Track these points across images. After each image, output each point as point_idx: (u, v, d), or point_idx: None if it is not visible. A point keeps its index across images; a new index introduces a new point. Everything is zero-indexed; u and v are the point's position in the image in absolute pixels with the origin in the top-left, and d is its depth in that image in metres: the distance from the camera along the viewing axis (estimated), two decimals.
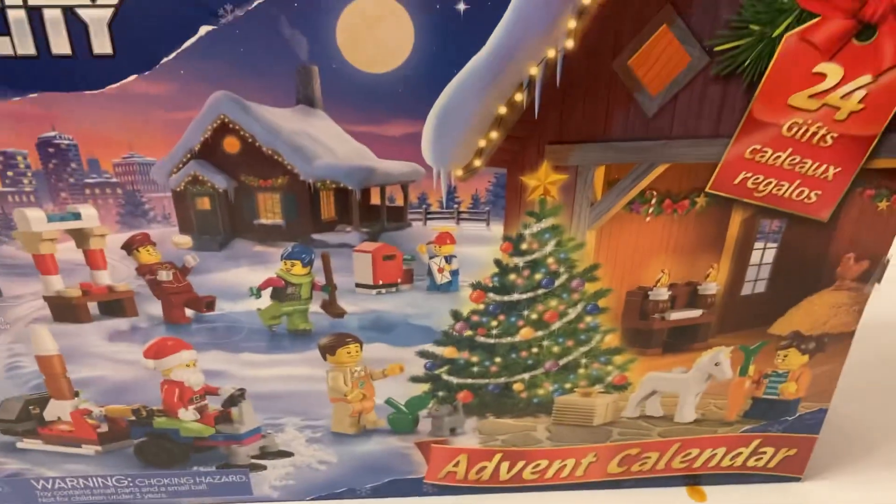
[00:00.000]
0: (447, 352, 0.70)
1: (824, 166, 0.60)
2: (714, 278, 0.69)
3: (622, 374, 0.73)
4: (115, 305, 0.66)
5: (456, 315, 0.68)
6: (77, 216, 0.61)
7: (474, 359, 0.71)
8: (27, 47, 0.52)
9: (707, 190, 0.62)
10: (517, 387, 0.73)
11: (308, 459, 0.76)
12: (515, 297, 0.68)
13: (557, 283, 0.67)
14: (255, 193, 0.61)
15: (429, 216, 0.63)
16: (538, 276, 0.67)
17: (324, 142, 0.58)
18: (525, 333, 0.69)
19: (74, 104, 0.54)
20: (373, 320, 0.68)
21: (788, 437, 0.79)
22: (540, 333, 0.70)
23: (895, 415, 0.94)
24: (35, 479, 0.75)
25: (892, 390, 0.99)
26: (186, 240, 0.62)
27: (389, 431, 0.75)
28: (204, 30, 0.52)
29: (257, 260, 0.64)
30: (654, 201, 0.64)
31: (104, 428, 0.73)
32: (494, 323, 0.69)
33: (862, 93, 0.56)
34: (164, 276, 0.64)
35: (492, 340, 0.70)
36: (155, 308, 0.66)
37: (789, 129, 0.58)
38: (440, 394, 0.73)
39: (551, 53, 0.54)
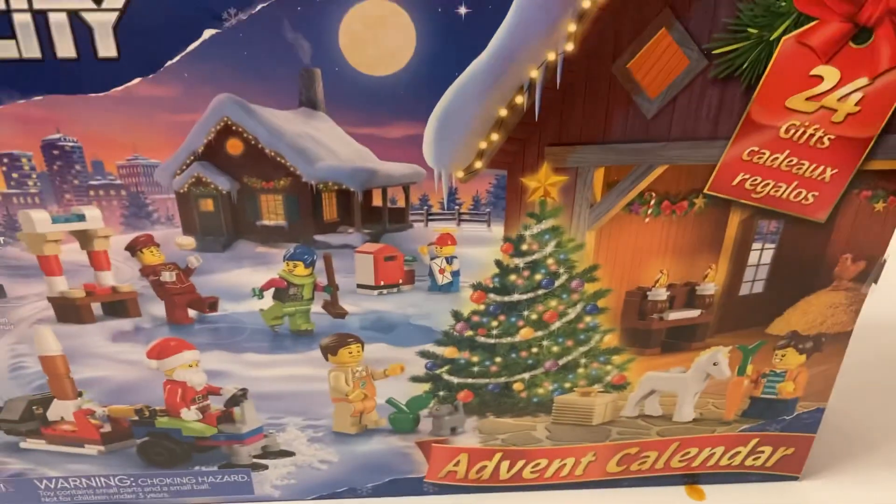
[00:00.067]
0: (448, 352, 0.70)
1: (821, 168, 0.60)
2: (712, 279, 0.70)
3: (621, 373, 0.74)
4: (119, 306, 0.67)
5: (456, 315, 0.69)
6: (81, 218, 0.61)
7: (475, 359, 0.71)
8: (32, 50, 0.52)
9: (705, 191, 0.62)
10: (517, 386, 0.73)
11: (309, 459, 0.76)
12: (516, 297, 0.68)
13: (557, 283, 0.68)
14: (257, 195, 0.62)
15: (430, 217, 0.64)
16: (538, 277, 0.67)
17: (326, 144, 0.59)
18: (525, 333, 0.70)
19: (79, 107, 0.55)
20: (374, 321, 0.69)
21: (786, 436, 0.79)
22: (540, 333, 0.70)
23: (893, 414, 0.94)
24: (38, 478, 0.75)
25: (889, 390, 0.99)
26: (190, 241, 0.63)
27: (390, 431, 0.76)
28: (208, 33, 0.52)
29: (260, 261, 0.64)
30: (652, 202, 0.64)
31: (107, 428, 0.74)
32: (495, 323, 0.69)
33: (858, 95, 0.56)
34: (168, 276, 0.65)
35: (492, 340, 0.70)
36: (158, 309, 0.67)
37: (787, 131, 0.58)
38: (441, 393, 0.73)
39: (551, 56, 0.55)
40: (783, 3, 0.53)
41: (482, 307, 0.68)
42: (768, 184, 0.61)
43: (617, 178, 0.62)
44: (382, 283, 0.67)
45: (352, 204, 0.63)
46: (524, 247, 0.65)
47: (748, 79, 0.56)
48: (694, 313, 0.71)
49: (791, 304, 0.71)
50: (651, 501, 0.80)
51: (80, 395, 0.71)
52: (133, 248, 0.63)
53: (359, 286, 0.67)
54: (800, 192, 0.62)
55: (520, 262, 0.66)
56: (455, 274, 0.67)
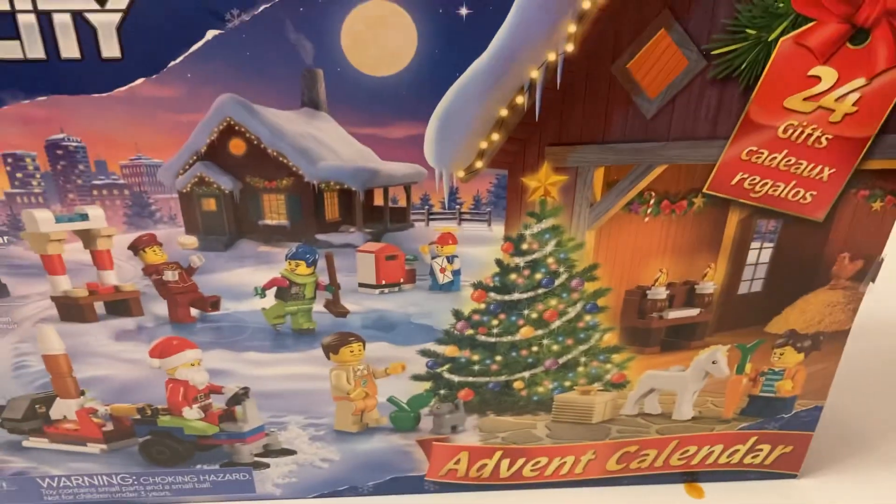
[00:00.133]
0: (448, 350, 0.71)
1: (819, 167, 0.61)
2: (711, 277, 0.70)
3: (621, 372, 0.74)
4: (121, 305, 0.67)
5: (457, 314, 0.69)
6: (84, 217, 0.61)
7: (475, 357, 0.71)
8: (37, 51, 0.52)
9: (704, 191, 0.63)
10: (517, 385, 0.73)
11: (311, 457, 0.77)
12: (516, 296, 0.68)
13: (557, 282, 0.68)
14: (260, 194, 0.62)
15: (431, 217, 0.64)
16: (538, 276, 0.67)
17: (328, 144, 0.59)
18: (525, 332, 0.70)
19: (83, 107, 0.55)
20: (375, 319, 0.69)
21: (784, 434, 0.80)
22: (540, 332, 0.70)
23: (890, 413, 0.95)
24: (40, 477, 0.75)
25: (887, 388, 0.99)
26: (192, 240, 0.63)
27: (391, 429, 0.76)
28: (211, 34, 0.53)
29: (262, 260, 0.64)
30: (652, 202, 0.64)
31: (109, 426, 0.74)
32: (495, 322, 0.70)
33: (856, 95, 0.57)
34: (170, 276, 0.65)
35: (492, 339, 0.71)
36: (160, 308, 0.67)
37: (785, 130, 0.59)
38: (441, 392, 0.73)
39: (552, 57, 0.55)
40: (781, 5, 0.53)
41: (483, 306, 0.69)
42: (767, 183, 0.62)
43: (617, 178, 0.63)
44: (384, 282, 0.67)
45: (353, 203, 0.63)
46: (524, 246, 0.66)
47: (747, 79, 0.57)
48: (693, 312, 0.72)
49: (789, 303, 0.71)
50: (650, 499, 0.80)
51: (82, 393, 0.71)
52: (136, 248, 0.64)
53: (360, 285, 0.67)
54: (798, 192, 0.62)
55: (520, 261, 0.67)
56: (456, 273, 0.67)
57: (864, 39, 0.54)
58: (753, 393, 0.77)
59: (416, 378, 0.72)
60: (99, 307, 0.67)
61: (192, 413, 0.72)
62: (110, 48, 0.53)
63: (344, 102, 0.56)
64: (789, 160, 0.60)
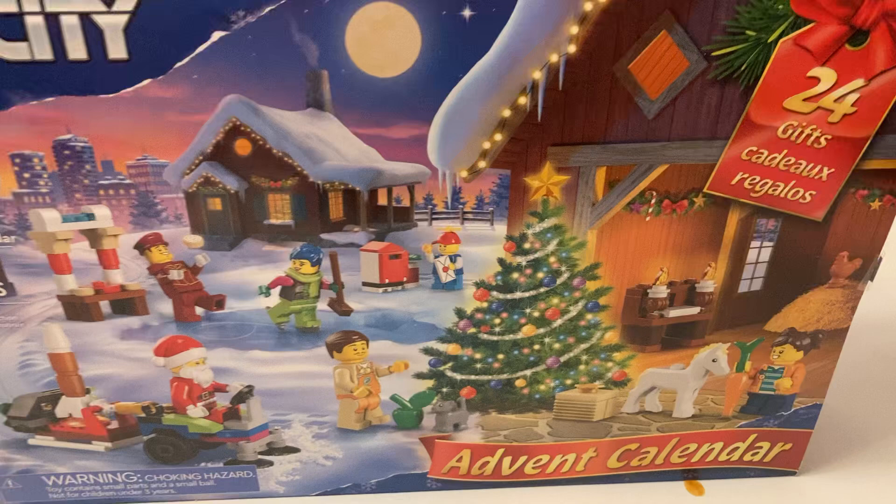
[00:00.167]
0: (451, 349, 0.71)
1: (818, 167, 0.61)
2: (712, 276, 0.70)
3: (622, 370, 0.75)
4: (127, 304, 0.67)
5: (460, 313, 0.69)
6: (91, 217, 0.62)
7: (477, 355, 0.72)
8: (44, 52, 0.53)
9: (705, 190, 0.63)
10: (519, 383, 0.74)
11: (314, 455, 0.77)
12: (518, 295, 0.69)
13: (559, 281, 0.68)
14: (265, 194, 0.63)
15: (434, 216, 0.64)
16: (540, 275, 0.68)
17: (332, 144, 0.60)
18: (527, 331, 0.71)
19: (90, 107, 0.55)
20: (379, 318, 0.69)
21: (784, 431, 0.80)
22: (542, 331, 0.71)
23: (888, 410, 0.95)
24: (46, 475, 0.76)
25: (885, 386, 1.00)
26: (198, 239, 0.63)
27: (394, 427, 0.76)
28: (217, 35, 0.53)
29: (267, 259, 0.65)
30: (653, 201, 0.65)
31: (114, 425, 0.74)
32: (497, 320, 0.70)
33: (854, 96, 0.57)
34: (176, 275, 0.65)
35: (495, 337, 0.71)
36: (166, 306, 0.67)
37: (784, 131, 0.59)
38: (444, 390, 0.74)
39: (554, 58, 0.55)
40: (781, 6, 0.53)
41: (485, 305, 0.69)
42: (766, 183, 0.62)
43: (618, 178, 0.63)
44: (387, 280, 0.68)
45: (357, 203, 0.64)
46: (527, 245, 0.66)
47: (747, 80, 0.57)
48: (693, 310, 0.72)
49: (789, 302, 0.71)
50: (651, 496, 0.81)
51: (88, 392, 0.72)
52: (142, 247, 0.64)
53: (364, 284, 0.68)
54: (797, 192, 0.63)
55: (522, 260, 0.67)
56: (458, 272, 0.67)
57: (863, 41, 0.55)
58: (753, 391, 0.78)
59: (419, 376, 0.73)
60: (105, 306, 0.68)
61: (196, 411, 0.72)
62: (117, 49, 0.53)
63: (348, 103, 0.57)
64: (789, 160, 0.61)
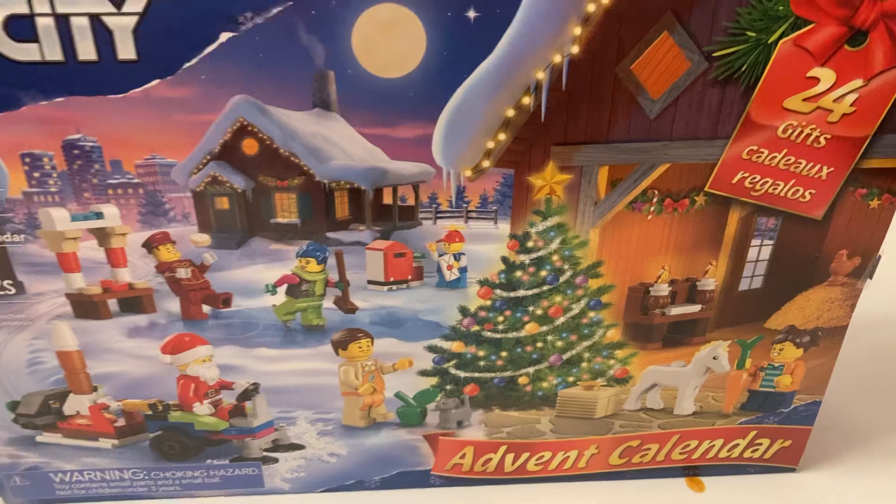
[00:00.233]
0: (455, 346, 0.72)
1: (818, 166, 0.62)
2: (712, 274, 0.71)
3: (623, 367, 0.75)
4: (135, 302, 0.68)
5: (464, 311, 0.70)
6: (100, 215, 0.62)
7: (481, 353, 0.72)
8: (55, 53, 0.53)
9: (706, 189, 0.64)
10: (522, 380, 0.74)
11: (319, 452, 0.78)
12: (521, 293, 0.69)
13: (562, 279, 0.69)
14: (272, 193, 0.63)
15: (438, 215, 0.65)
16: (543, 273, 0.68)
17: (338, 143, 0.60)
18: (530, 328, 0.71)
19: (99, 108, 0.56)
20: (383, 316, 0.70)
21: (784, 428, 0.81)
22: (545, 328, 0.71)
23: (887, 408, 0.96)
24: (53, 471, 0.76)
25: (883, 384, 1.00)
26: (205, 238, 0.64)
27: (398, 424, 0.77)
28: (225, 36, 0.53)
29: (273, 257, 0.65)
30: (655, 200, 0.65)
31: (121, 422, 0.75)
32: (501, 318, 0.71)
33: (854, 96, 0.57)
34: (183, 273, 0.66)
35: (498, 335, 0.71)
36: (173, 304, 0.68)
37: (784, 130, 0.60)
38: (448, 387, 0.74)
39: (557, 59, 0.56)
40: (781, 7, 0.54)
41: (489, 303, 0.70)
42: (767, 182, 0.63)
43: (620, 177, 0.64)
44: (392, 279, 0.68)
45: (363, 202, 0.64)
46: (530, 244, 0.67)
47: (747, 80, 0.58)
48: (694, 308, 0.73)
49: (789, 299, 0.72)
50: (652, 493, 0.81)
51: (95, 389, 0.72)
52: (149, 246, 0.64)
53: (369, 282, 0.68)
54: (797, 190, 0.63)
55: (525, 258, 0.68)
56: (462, 270, 0.68)
57: (862, 41, 0.55)
58: (753, 388, 0.78)
59: (423, 374, 0.73)
60: (112, 304, 0.68)
61: (202, 409, 0.73)
62: (126, 50, 0.53)
63: (354, 103, 0.57)
64: (789, 159, 0.61)
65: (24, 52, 0.53)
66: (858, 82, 0.57)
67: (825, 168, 0.62)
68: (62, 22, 0.52)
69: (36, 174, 0.60)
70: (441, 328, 0.71)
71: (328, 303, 0.69)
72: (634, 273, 0.70)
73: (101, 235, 0.64)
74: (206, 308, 0.68)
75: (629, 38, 0.57)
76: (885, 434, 0.91)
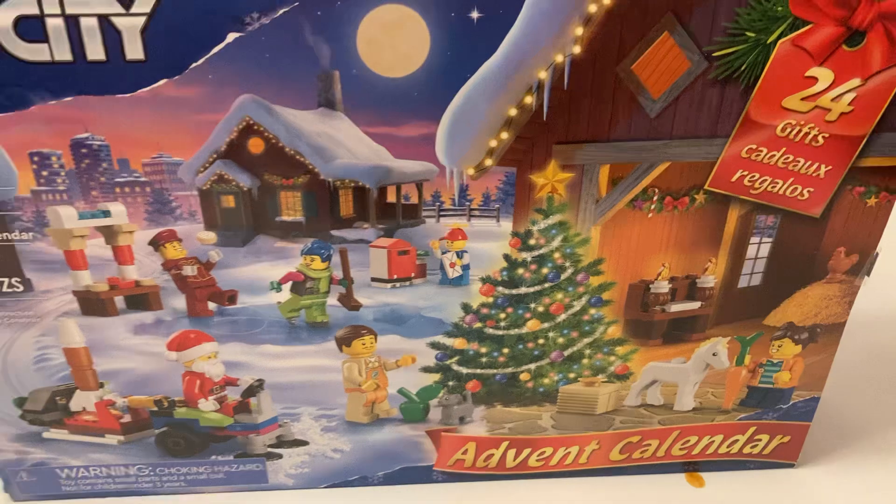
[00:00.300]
0: (457, 343, 0.72)
1: (816, 165, 0.62)
2: (712, 272, 0.71)
3: (624, 364, 0.76)
4: (141, 299, 0.68)
5: (466, 308, 0.70)
6: (107, 213, 0.63)
7: (483, 350, 0.73)
8: (64, 53, 0.54)
9: (706, 187, 0.64)
10: (524, 377, 0.75)
11: (322, 448, 0.78)
12: (523, 290, 0.70)
13: (563, 276, 0.69)
14: (277, 192, 0.64)
15: (442, 213, 0.65)
16: (545, 271, 0.69)
17: (343, 142, 0.61)
18: (532, 325, 0.72)
19: (107, 107, 0.56)
20: (387, 313, 0.70)
21: (782, 424, 0.81)
22: (546, 325, 0.72)
23: (884, 405, 0.96)
24: (59, 467, 0.77)
25: (880, 381, 1.01)
26: (211, 236, 0.64)
27: (401, 420, 0.77)
28: (231, 37, 0.54)
29: (278, 255, 0.66)
30: (655, 198, 0.66)
31: (127, 418, 0.75)
32: (503, 315, 0.71)
33: (851, 95, 0.58)
34: (189, 270, 0.66)
35: (500, 332, 0.72)
36: (179, 302, 0.68)
37: (783, 129, 0.60)
38: (450, 383, 0.75)
39: (559, 58, 0.56)
40: (780, 8, 0.54)
41: (491, 300, 0.70)
42: (766, 180, 0.63)
43: (621, 175, 0.64)
44: (395, 276, 0.69)
45: (367, 200, 0.65)
46: (532, 241, 0.67)
47: (746, 80, 0.58)
48: (694, 305, 0.73)
49: (787, 296, 0.72)
50: (652, 489, 0.82)
51: (101, 386, 0.73)
52: (156, 243, 0.65)
53: (373, 280, 0.69)
54: (796, 188, 0.64)
55: (527, 256, 0.68)
56: (465, 268, 0.69)
57: (860, 41, 0.56)
58: (752, 384, 0.79)
59: (426, 370, 0.74)
60: (119, 301, 0.68)
61: (207, 405, 0.74)
62: (134, 50, 0.54)
63: (359, 103, 0.58)
64: (787, 158, 0.62)
65: (33, 53, 0.54)
66: (856, 82, 0.57)
67: (823, 166, 0.62)
68: (71, 22, 0.53)
69: (44, 173, 0.60)
70: (444, 325, 0.71)
71: (332, 300, 0.70)
72: (635, 270, 0.70)
73: (109, 233, 0.65)
74: (211, 305, 0.69)
75: (630, 39, 0.57)
76: (882, 430, 0.91)
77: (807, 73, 0.57)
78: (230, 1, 0.53)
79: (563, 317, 0.72)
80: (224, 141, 0.60)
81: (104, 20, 0.53)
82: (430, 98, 0.58)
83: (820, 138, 0.60)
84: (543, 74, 0.57)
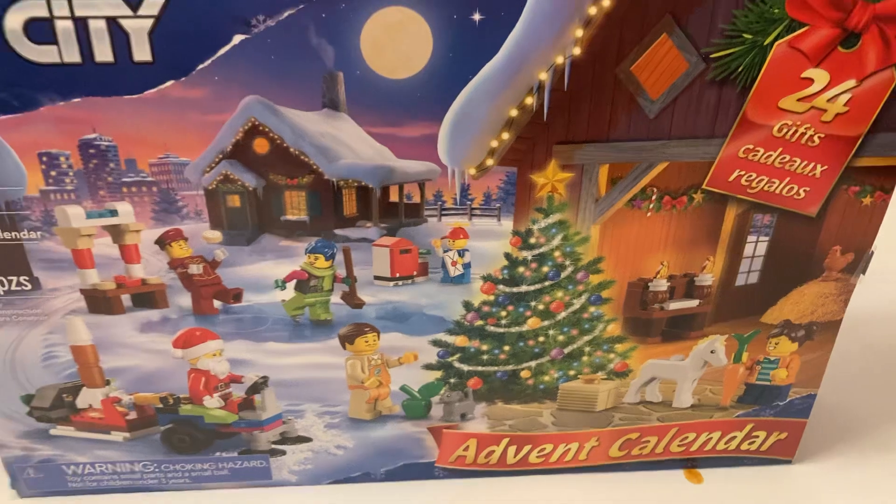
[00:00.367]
0: (459, 340, 0.73)
1: (812, 164, 0.63)
2: (710, 270, 0.72)
3: (623, 361, 0.76)
4: (147, 297, 0.69)
5: (467, 306, 0.71)
6: (114, 213, 0.63)
7: (484, 347, 0.73)
8: (72, 55, 0.54)
9: (703, 187, 0.65)
10: (524, 374, 0.75)
11: (326, 444, 0.79)
12: (524, 288, 0.70)
13: (563, 275, 0.70)
14: (282, 191, 0.64)
15: (443, 212, 0.66)
16: (545, 269, 0.69)
17: (347, 143, 0.61)
18: (532, 323, 0.72)
19: (115, 108, 0.57)
20: (390, 311, 0.71)
21: (780, 421, 0.81)
22: (546, 323, 0.72)
23: (880, 401, 0.96)
24: (66, 464, 0.77)
25: (877, 377, 1.01)
26: (217, 235, 0.65)
27: (403, 417, 0.78)
28: (237, 38, 0.55)
29: (283, 254, 0.67)
30: (654, 197, 0.66)
31: (133, 415, 0.76)
32: (504, 313, 0.72)
33: (847, 96, 0.59)
34: (195, 269, 0.67)
35: (501, 330, 0.72)
36: (185, 300, 0.69)
37: (780, 129, 0.61)
38: (452, 381, 0.75)
39: (560, 60, 0.57)
40: (776, 10, 0.55)
41: (492, 298, 0.71)
42: (762, 180, 0.64)
43: (620, 175, 0.65)
44: (398, 275, 0.69)
45: (370, 200, 0.66)
46: (532, 240, 0.68)
47: (744, 81, 0.59)
48: (693, 303, 0.74)
49: (784, 294, 0.73)
50: (651, 485, 0.82)
51: (108, 383, 0.73)
52: (162, 242, 0.65)
53: (376, 278, 0.69)
54: (792, 188, 0.64)
55: (528, 254, 0.69)
56: (466, 266, 0.69)
57: (855, 43, 0.56)
58: (750, 381, 0.79)
59: (428, 367, 0.74)
60: (126, 300, 0.69)
61: (212, 402, 0.74)
62: (142, 52, 0.55)
63: (362, 103, 0.58)
64: (784, 158, 0.62)
65: (42, 54, 0.54)
66: (851, 83, 0.58)
67: (819, 166, 0.63)
68: (80, 24, 0.53)
69: (53, 173, 0.61)
70: (445, 323, 0.72)
71: (336, 298, 0.70)
72: (634, 269, 0.71)
73: (116, 232, 0.65)
74: (217, 303, 0.69)
75: (629, 40, 0.58)
76: (878, 426, 0.92)
77: (803, 75, 0.58)
78: (236, 4, 0.53)
79: (563, 315, 0.72)
80: (230, 141, 0.61)
81: (112, 22, 0.53)
82: (432, 99, 0.58)
83: (816, 139, 0.61)
84: (544, 75, 0.58)
